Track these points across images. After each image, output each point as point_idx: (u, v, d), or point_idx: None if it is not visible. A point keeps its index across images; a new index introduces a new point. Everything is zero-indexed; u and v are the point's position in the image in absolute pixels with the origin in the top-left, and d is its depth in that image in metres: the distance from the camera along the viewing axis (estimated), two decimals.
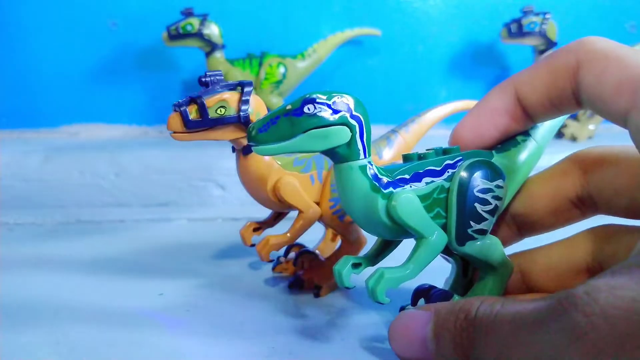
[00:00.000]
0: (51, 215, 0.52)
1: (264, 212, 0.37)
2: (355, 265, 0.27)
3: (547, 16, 0.68)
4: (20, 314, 0.31)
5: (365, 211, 0.24)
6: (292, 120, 0.22)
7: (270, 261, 0.36)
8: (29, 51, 0.74)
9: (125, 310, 0.32)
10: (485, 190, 0.25)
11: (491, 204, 0.25)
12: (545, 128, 0.28)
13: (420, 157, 0.26)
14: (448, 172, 0.25)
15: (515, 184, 0.27)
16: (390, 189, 0.24)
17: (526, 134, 0.28)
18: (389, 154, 0.36)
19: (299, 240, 0.35)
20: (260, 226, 0.36)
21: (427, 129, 0.39)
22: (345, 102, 0.23)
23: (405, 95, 0.79)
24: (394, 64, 0.78)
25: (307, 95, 0.23)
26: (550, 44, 0.69)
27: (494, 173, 0.25)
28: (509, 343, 0.18)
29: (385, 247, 0.28)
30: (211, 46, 0.66)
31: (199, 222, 0.52)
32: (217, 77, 0.30)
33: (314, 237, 0.37)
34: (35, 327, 0.30)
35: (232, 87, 0.30)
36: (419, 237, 0.24)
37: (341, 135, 0.23)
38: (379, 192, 0.24)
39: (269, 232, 0.35)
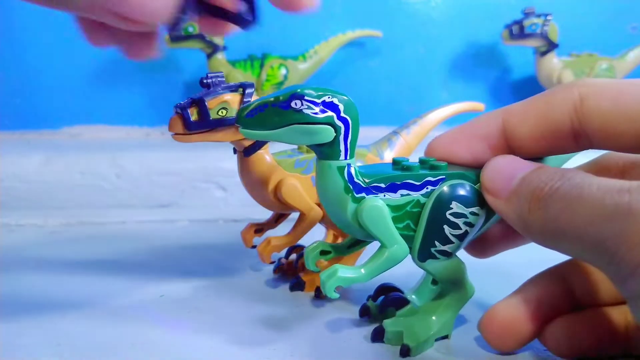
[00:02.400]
0: (52, 217, 0.52)
1: (266, 214, 0.37)
2: (324, 253, 0.28)
3: (549, 17, 0.68)
4: (21, 315, 0.31)
5: (336, 210, 0.25)
6: (278, 111, 0.23)
7: (272, 263, 0.36)
8: (31, 52, 0.74)
9: (126, 312, 0.32)
10: (458, 215, 0.25)
11: (461, 229, 0.25)
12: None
13: (405, 167, 0.26)
14: (427, 188, 0.25)
15: (492, 212, 0.26)
16: (363, 194, 0.25)
17: None
18: (390, 155, 0.36)
19: (300, 241, 0.35)
20: (262, 227, 0.36)
21: (429, 130, 0.39)
22: (335, 102, 0.23)
23: (407, 96, 0.79)
24: (395, 65, 0.78)
25: (298, 91, 0.23)
26: (551, 45, 0.69)
27: (472, 199, 0.25)
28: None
29: (357, 242, 0.29)
30: (212, 48, 0.66)
31: (201, 224, 0.52)
32: (219, 79, 0.30)
33: (316, 239, 0.36)
34: (36, 328, 0.30)
35: (233, 89, 0.30)
36: (380, 245, 0.25)
37: (325, 134, 0.23)
38: (351, 195, 0.25)
39: (270, 233, 0.35)
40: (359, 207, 0.24)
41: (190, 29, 0.64)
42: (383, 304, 0.29)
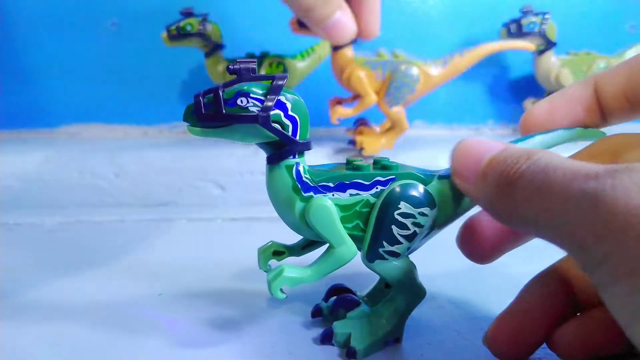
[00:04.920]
0: (50, 216, 0.52)
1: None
2: (277, 253, 0.28)
3: (547, 16, 0.68)
4: (20, 315, 0.31)
5: (284, 209, 0.25)
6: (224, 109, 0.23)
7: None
8: (29, 51, 0.74)
9: (124, 310, 0.32)
10: (406, 215, 0.24)
11: (409, 229, 0.25)
12: None
13: (355, 167, 0.25)
14: (377, 188, 0.25)
15: (450, 211, 0.26)
16: (311, 193, 0.25)
17: None
18: (436, 71, 0.55)
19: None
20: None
21: (479, 58, 0.56)
22: (282, 101, 0.23)
23: None
24: None
25: (244, 88, 0.23)
26: (549, 44, 0.69)
27: (422, 199, 0.25)
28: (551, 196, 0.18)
29: (312, 243, 0.28)
30: (211, 46, 0.66)
31: (199, 222, 0.52)
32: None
33: None
34: (35, 328, 0.30)
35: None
36: (329, 245, 0.25)
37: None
38: (299, 194, 0.25)
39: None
40: (306, 207, 0.24)
41: (189, 27, 0.64)
42: (334, 305, 0.29)
